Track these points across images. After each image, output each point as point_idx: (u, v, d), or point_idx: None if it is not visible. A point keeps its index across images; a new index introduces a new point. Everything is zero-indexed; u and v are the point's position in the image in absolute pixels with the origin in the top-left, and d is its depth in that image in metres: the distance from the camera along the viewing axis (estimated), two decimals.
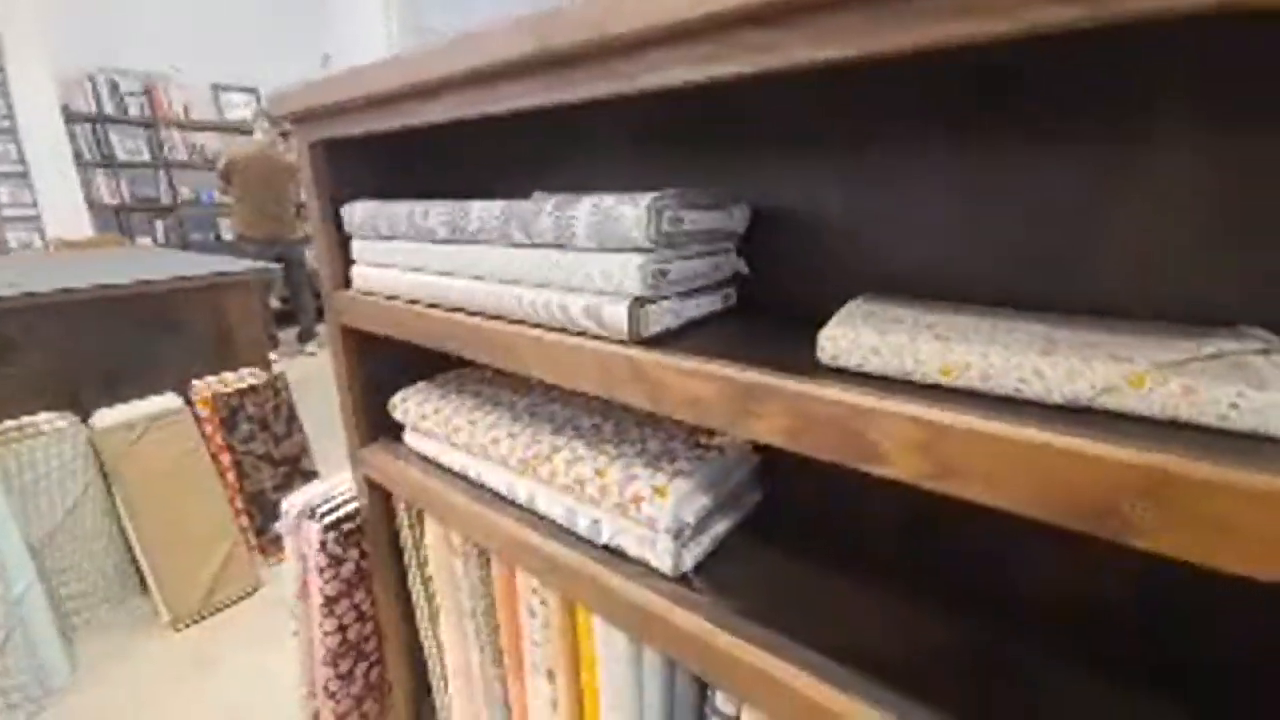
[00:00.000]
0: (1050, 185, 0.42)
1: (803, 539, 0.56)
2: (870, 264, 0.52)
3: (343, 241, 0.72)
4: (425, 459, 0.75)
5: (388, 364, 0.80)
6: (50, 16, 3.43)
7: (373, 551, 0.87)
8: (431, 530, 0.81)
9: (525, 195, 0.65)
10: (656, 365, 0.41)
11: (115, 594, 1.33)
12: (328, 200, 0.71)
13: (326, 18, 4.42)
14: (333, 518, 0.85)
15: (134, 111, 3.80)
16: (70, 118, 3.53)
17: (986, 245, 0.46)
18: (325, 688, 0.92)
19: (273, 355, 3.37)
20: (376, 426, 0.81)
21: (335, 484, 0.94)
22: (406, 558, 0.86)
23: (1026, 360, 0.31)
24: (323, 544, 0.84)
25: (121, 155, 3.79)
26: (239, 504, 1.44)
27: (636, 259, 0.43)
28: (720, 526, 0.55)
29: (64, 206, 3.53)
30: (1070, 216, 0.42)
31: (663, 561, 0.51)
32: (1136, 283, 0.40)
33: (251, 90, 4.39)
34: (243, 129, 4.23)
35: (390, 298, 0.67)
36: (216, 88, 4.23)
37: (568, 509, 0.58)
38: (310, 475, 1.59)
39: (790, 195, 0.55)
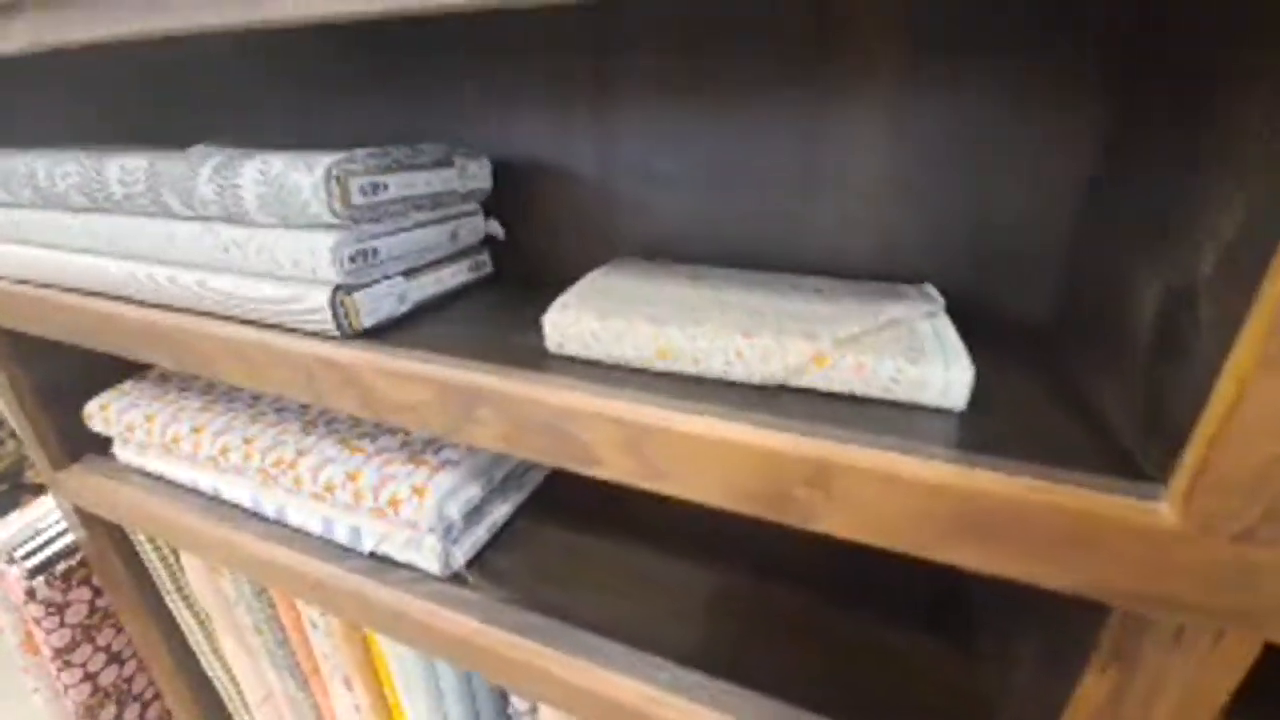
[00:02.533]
0: (773, 142, 0.41)
1: (591, 510, 0.55)
2: (627, 223, 0.49)
3: None
4: (146, 474, 0.62)
5: (69, 363, 0.63)
6: None
7: (109, 587, 0.71)
8: (189, 555, 0.69)
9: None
10: (366, 366, 0.35)
11: None
12: None
13: None
14: (39, 559, 0.68)
15: None
16: None
17: (728, 203, 0.45)
18: None
19: None
20: (74, 443, 0.64)
21: (42, 514, 0.75)
22: (159, 583, 0.73)
23: (730, 343, 0.30)
24: (31, 592, 0.67)
25: None
26: None
27: (326, 239, 0.35)
28: (499, 512, 0.52)
29: None
30: (790, 174, 0.42)
31: (430, 563, 0.47)
32: (845, 240, 0.42)
33: None
34: None
35: (22, 282, 0.51)
36: None
37: (324, 519, 0.51)
38: (39, 489, 1.27)
39: (541, 146, 0.49)
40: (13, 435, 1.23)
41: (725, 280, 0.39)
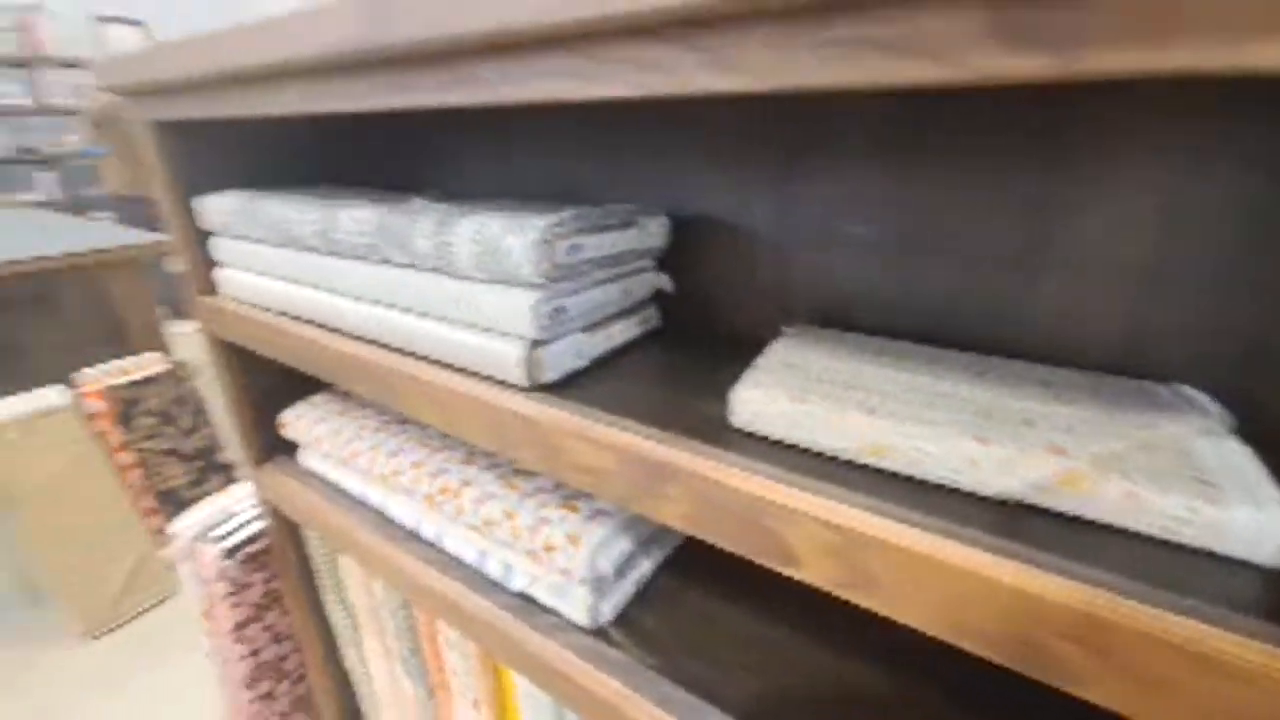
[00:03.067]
0: (988, 210, 0.38)
1: (734, 571, 0.53)
2: (803, 284, 0.47)
3: (201, 239, 0.62)
4: (326, 482, 0.68)
5: (280, 374, 0.71)
6: None
7: (282, 576, 0.80)
8: (346, 556, 0.75)
9: (421, 190, 0.56)
10: (552, 423, 0.36)
11: (21, 602, 1.22)
12: (179, 191, 0.60)
13: None
14: (233, 541, 0.77)
15: (10, 50, 3.30)
16: None
17: (926, 274, 0.41)
18: (247, 712, 0.87)
19: (183, 327, 3.14)
20: (272, 444, 0.73)
21: (234, 500, 0.85)
22: (320, 577, 0.80)
23: (961, 448, 0.27)
24: (223, 572, 0.77)
25: None
26: (148, 505, 1.33)
27: (528, 298, 0.37)
28: (645, 567, 0.51)
29: None
30: (1008, 254, 0.37)
31: (579, 615, 0.47)
32: (1074, 329, 0.37)
33: (136, 23, 3.88)
34: None
35: (258, 307, 0.58)
36: (96, 20, 3.71)
37: (479, 551, 0.53)
38: (227, 469, 1.47)
39: (717, 203, 0.49)
40: (208, 422, 1.44)
41: (933, 363, 0.36)
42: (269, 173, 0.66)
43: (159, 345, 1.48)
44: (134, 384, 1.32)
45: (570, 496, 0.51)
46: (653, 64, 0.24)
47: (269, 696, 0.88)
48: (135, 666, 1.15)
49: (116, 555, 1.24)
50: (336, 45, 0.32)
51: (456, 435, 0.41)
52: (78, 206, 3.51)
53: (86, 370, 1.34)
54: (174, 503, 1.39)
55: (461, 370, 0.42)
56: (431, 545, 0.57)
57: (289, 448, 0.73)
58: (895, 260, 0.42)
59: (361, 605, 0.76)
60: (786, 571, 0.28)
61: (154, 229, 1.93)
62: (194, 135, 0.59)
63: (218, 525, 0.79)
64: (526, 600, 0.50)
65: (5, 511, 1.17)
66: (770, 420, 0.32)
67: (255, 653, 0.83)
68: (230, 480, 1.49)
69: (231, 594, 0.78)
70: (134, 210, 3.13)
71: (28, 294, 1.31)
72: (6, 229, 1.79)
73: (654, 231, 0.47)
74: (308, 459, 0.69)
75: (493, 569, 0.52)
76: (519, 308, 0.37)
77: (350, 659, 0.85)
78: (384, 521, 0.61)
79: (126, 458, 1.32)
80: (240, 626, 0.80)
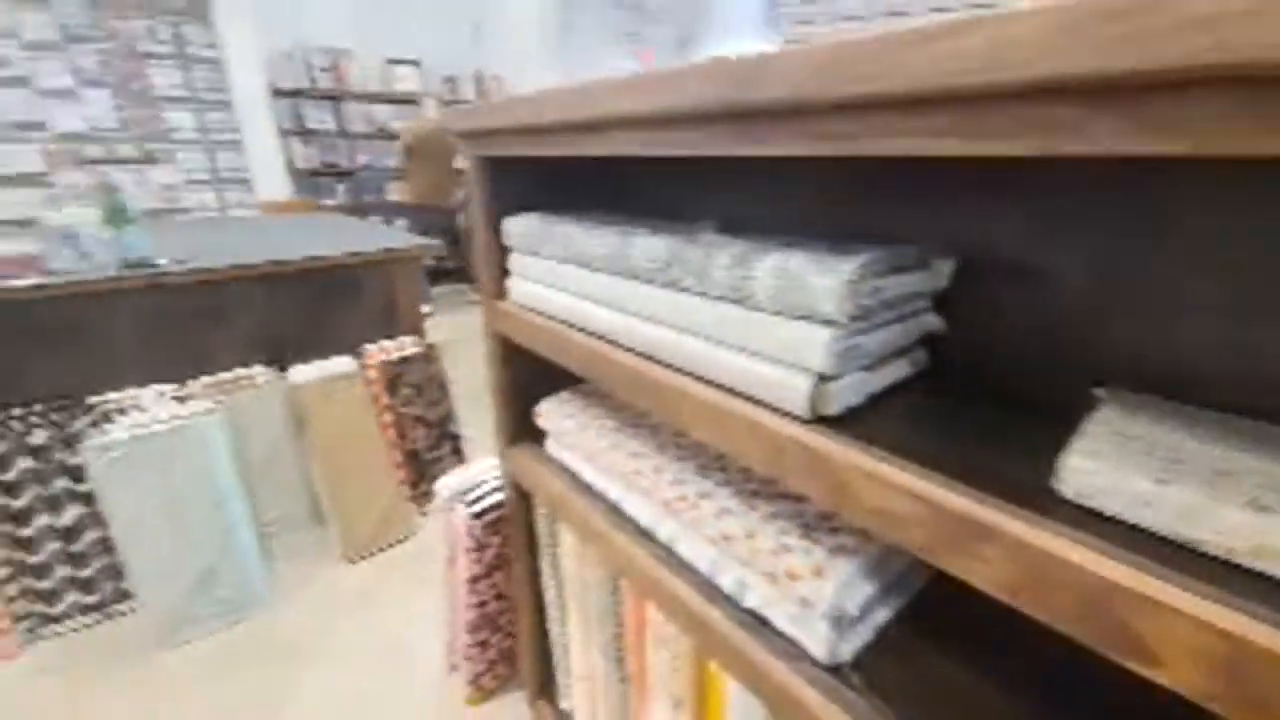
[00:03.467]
0: None
1: (973, 625, 0.49)
2: (1119, 344, 0.42)
3: (502, 252, 0.74)
4: (566, 469, 0.77)
5: (536, 369, 0.82)
6: (258, 2, 3.91)
7: (512, 543, 0.92)
8: (567, 537, 0.84)
9: (693, 218, 0.61)
10: (842, 459, 0.37)
11: (303, 524, 1.57)
12: (492, 213, 0.72)
13: None
14: (480, 507, 0.91)
15: (323, 85, 4.27)
16: (275, 93, 4.05)
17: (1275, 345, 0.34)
18: (465, 649, 1.02)
19: (426, 309, 3.81)
20: (523, 428, 0.84)
21: (483, 470, 1.00)
22: (542, 554, 0.91)
23: None
24: (470, 530, 0.90)
25: (312, 125, 4.30)
26: (398, 459, 1.61)
27: (824, 334, 0.38)
28: (882, 614, 0.50)
29: (269, 170, 4.10)
30: None
31: (817, 648, 0.47)
32: None
33: (415, 63, 4.73)
34: (410, 100, 4.60)
35: (545, 315, 0.68)
36: (387, 61, 4.61)
37: (712, 562, 0.55)
38: (455, 438, 1.73)
39: (1012, 243, 0.46)
40: (447, 397, 1.71)
41: None
42: (559, 198, 0.77)
43: (419, 330, 1.80)
44: (401, 360, 1.61)
45: (810, 527, 0.51)
46: (1055, 124, 0.24)
47: (484, 644, 1.02)
48: (381, 590, 1.41)
49: (375, 496, 1.53)
50: (697, 103, 0.36)
51: (731, 454, 0.44)
52: (360, 211, 4.37)
53: (368, 345, 1.67)
54: (416, 460, 1.67)
55: (738, 393, 0.45)
56: (663, 546, 0.61)
57: (535, 433, 0.84)
58: (1243, 327, 0.36)
59: (572, 584, 0.84)
60: (1142, 670, 0.26)
61: (424, 234, 2.35)
62: (507, 167, 0.71)
63: (469, 490, 0.93)
64: (758, 620, 0.52)
65: (308, 448, 1.51)
66: (1113, 496, 0.29)
67: (482, 604, 0.97)
68: (457, 449, 1.75)
69: (472, 550, 0.92)
70: (421, 217, 3.88)
71: (341, 281, 1.68)
72: (330, 230, 2.30)
73: (941, 273, 0.45)
74: (553, 448, 0.79)
75: (725, 582, 0.54)
76: (815, 342, 0.38)
77: (554, 628, 0.95)
78: (617, 514, 0.67)
79: (388, 418, 1.62)
80: (474, 580, 0.94)
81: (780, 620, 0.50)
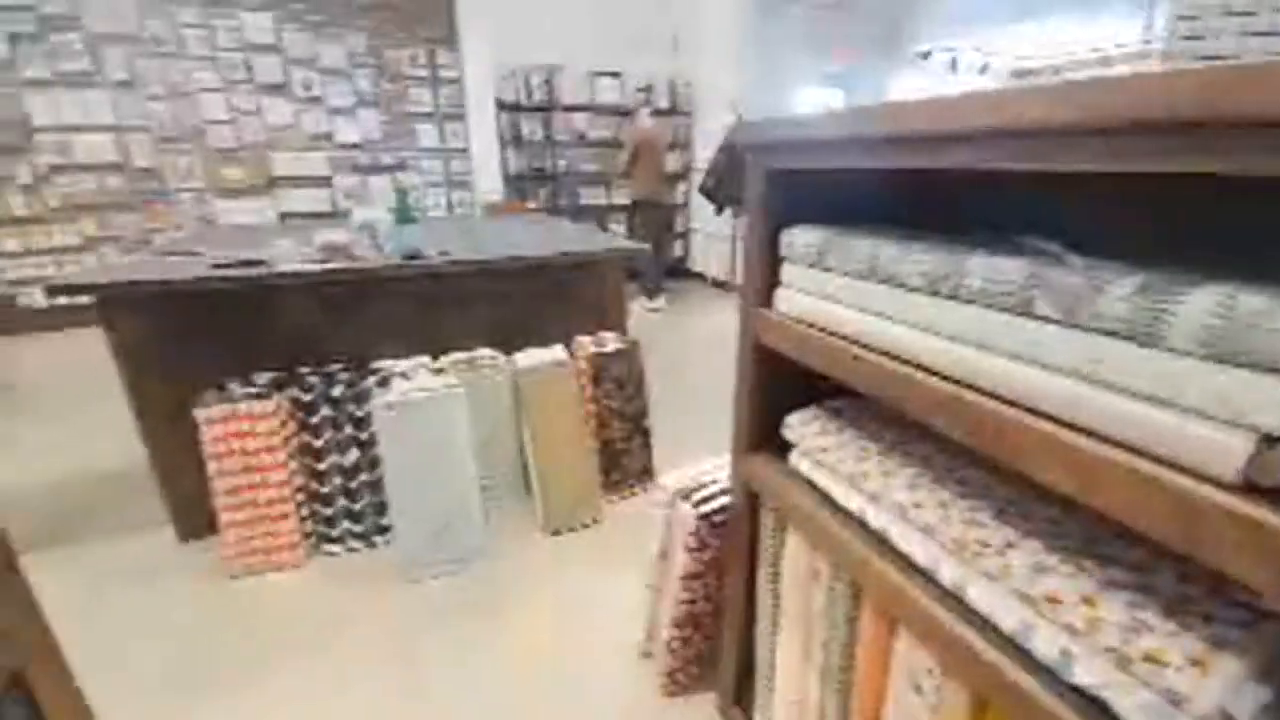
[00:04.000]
0: None
1: None
2: None
3: (773, 263, 0.74)
4: (813, 486, 0.75)
5: (781, 380, 0.82)
6: (492, 26, 4.46)
7: (731, 548, 0.92)
8: (793, 551, 0.82)
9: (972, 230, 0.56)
10: None
11: (512, 494, 1.75)
12: (769, 223, 0.73)
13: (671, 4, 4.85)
14: (706, 508, 0.93)
15: (537, 99, 4.74)
16: (499, 106, 4.60)
17: None
18: (667, 643, 1.05)
19: (656, 304, 4.10)
20: (762, 437, 0.84)
21: (706, 471, 1.02)
22: (760, 564, 0.90)
23: None
24: (695, 530, 0.93)
25: (525, 135, 4.80)
26: (594, 447, 1.73)
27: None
28: None
29: (487, 174, 4.67)
30: None
31: None
32: None
33: (616, 74, 5.04)
34: (612, 109, 4.92)
35: (824, 330, 0.66)
36: (592, 74, 4.98)
37: (1023, 622, 0.50)
38: (646, 433, 1.81)
39: None
40: (642, 393, 1.79)
41: None
42: (840, 211, 0.75)
43: (622, 326, 1.91)
44: (607, 354, 1.72)
45: (1171, 604, 0.44)
46: None
47: (686, 641, 1.04)
48: (575, 564, 1.52)
49: (575, 478, 1.65)
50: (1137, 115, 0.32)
51: (1109, 510, 0.39)
52: (557, 210, 4.78)
53: (579, 338, 1.80)
54: (610, 450, 1.77)
55: (1121, 442, 0.39)
56: (945, 589, 0.57)
57: (773, 444, 0.83)
58: None
59: (792, 601, 0.82)
60: None
61: (630, 234, 2.49)
62: (791, 180, 0.71)
63: (696, 490, 0.96)
64: (1087, 699, 0.45)
65: (524, 427, 1.68)
66: None
67: (691, 602, 0.99)
68: (646, 444, 1.82)
69: (693, 549, 0.94)
70: (648, 216, 4.22)
71: (560, 277, 1.84)
72: (547, 230, 2.53)
73: None
74: (801, 464, 0.77)
75: (1042, 647, 0.48)
76: (1269, 398, 0.32)
77: (762, 641, 0.94)
78: (881, 543, 0.64)
79: (591, 408, 1.73)
80: (689, 577, 0.96)
81: (1128, 709, 0.43)
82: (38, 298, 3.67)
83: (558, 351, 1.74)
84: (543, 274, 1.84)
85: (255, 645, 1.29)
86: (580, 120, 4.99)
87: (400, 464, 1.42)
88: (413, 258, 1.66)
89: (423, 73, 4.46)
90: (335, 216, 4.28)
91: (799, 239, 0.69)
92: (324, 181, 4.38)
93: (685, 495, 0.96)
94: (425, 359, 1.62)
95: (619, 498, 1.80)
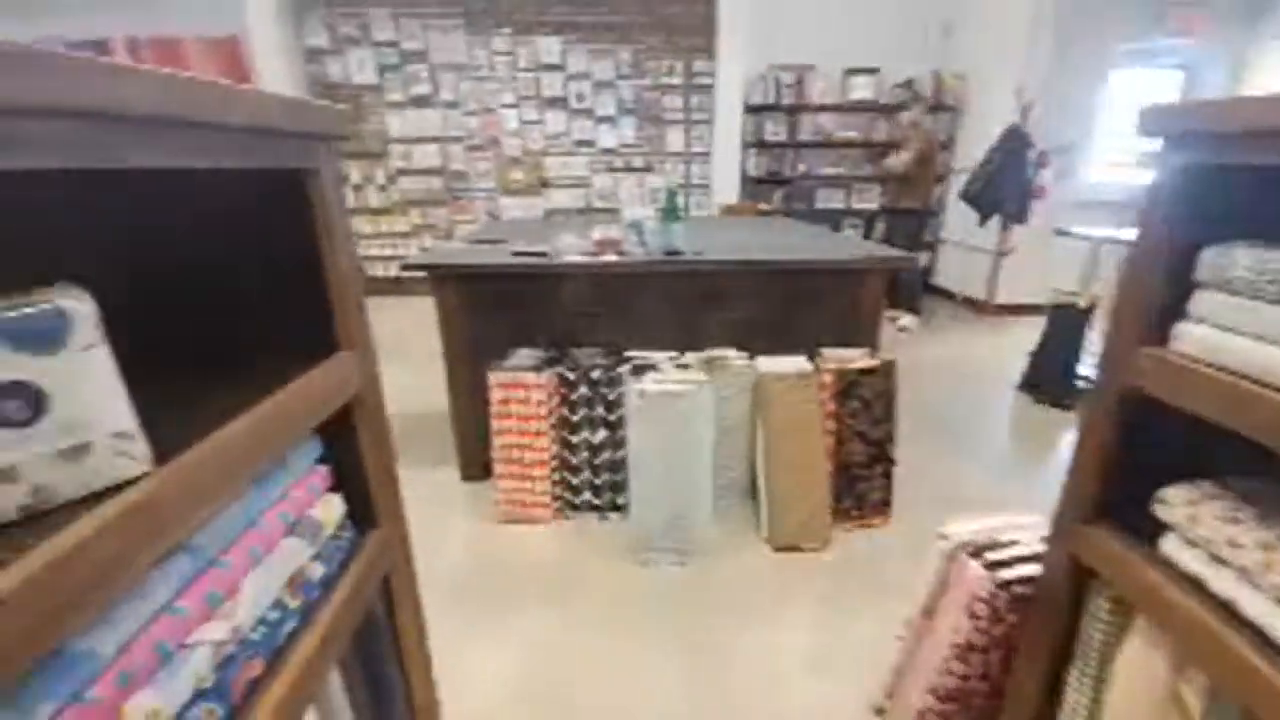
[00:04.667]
0: None
1: None
2: None
3: (1175, 288, 0.57)
4: (1198, 585, 0.57)
5: (1149, 440, 0.64)
6: (749, 32, 4.47)
7: (1034, 629, 0.76)
8: (1138, 655, 0.64)
9: None
10: None
11: (743, 499, 1.74)
12: (1181, 238, 0.56)
13: None
14: (1007, 575, 0.78)
15: (785, 101, 4.65)
16: (746, 109, 4.62)
17: None
18: (921, 713, 0.92)
19: (905, 322, 3.78)
20: (1107, 506, 0.67)
21: (995, 527, 0.86)
22: (1075, 658, 0.72)
23: None
24: (989, 597, 0.79)
25: (767, 137, 4.75)
26: (830, 468, 1.62)
27: None
28: None
29: (726, 178, 4.74)
30: None
31: None
32: None
33: (873, 71, 4.69)
34: (862, 107, 4.61)
35: (1269, 385, 0.49)
36: (845, 72, 4.70)
37: None
38: (889, 462, 1.63)
39: None
40: (890, 418, 1.62)
41: None
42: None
43: (874, 342, 1.76)
44: (858, 371, 1.59)
45: None
46: None
47: (945, 716, 0.89)
48: (796, 588, 1.45)
49: (804, 496, 1.57)
50: None
51: None
52: (790, 215, 4.65)
53: (826, 350, 1.70)
54: (846, 474, 1.64)
55: None
56: None
57: (1119, 516, 0.66)
58: None
59: (1147, 705, 0.64)
60: None
61: (887, 242, 2.26)
62: (1224, 181, 0.54)
63: (992, 549, 0.81)
64: None
65: (759, 433, 1.64)
66: None
67: (964, 677, 0.85)
68: (888, 473, 1.65)
69: (980, 619, 0.80)
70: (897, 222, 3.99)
71: (811, 283, 1.76)
72: (792, 233, 2.46)
73: None
74: (1180, 550, 0.59)
75: None
76: None
77: None
78: None
79: (830, 425, 1.63)
80: (966, 648, 0.82)
81: None
82: (390, 269, 4.75)
83: (801, 361, 1.66)
84: (796, 279, 1.78)
85: (509, 584, 1.48)
86: (828, 120, 4.77)
87: (643, 450, 1.49)
88: (673, 255, 1.73)
89: (678, 81, 4.69)
90: (588, 213, 4.76)
91: (1241, 260, 0.51)
92: (583, 182, 4.90)
93: (975, 552, 0.82)
94: (674, 353, 1.68)
95: (851, 527, 1.66)
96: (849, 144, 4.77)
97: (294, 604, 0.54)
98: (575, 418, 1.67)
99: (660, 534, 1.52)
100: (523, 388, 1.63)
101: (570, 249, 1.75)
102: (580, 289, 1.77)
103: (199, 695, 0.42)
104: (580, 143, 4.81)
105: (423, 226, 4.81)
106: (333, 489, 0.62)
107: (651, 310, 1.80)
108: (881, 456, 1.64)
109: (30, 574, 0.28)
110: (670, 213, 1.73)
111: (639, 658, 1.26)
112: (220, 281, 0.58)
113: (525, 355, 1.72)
